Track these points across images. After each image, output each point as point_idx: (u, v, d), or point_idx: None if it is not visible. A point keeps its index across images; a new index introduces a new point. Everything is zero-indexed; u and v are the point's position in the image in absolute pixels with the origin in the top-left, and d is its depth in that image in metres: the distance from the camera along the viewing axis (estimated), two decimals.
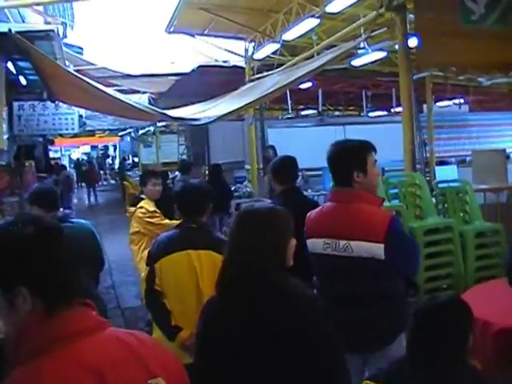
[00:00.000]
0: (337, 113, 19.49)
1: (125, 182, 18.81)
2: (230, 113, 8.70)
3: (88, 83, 7.04)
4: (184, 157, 19.70)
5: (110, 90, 7.70)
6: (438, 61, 7.48)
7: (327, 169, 3.27)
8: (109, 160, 37.95)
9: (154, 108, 8.28)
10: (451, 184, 7.12)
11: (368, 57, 11.46)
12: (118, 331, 1.51)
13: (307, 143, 14.32)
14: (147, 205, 5.90)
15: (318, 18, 9.62)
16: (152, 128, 25.30)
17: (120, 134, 32.09)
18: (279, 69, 11.11)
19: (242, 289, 2.19)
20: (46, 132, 14.31)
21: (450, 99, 17.50)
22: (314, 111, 17.90)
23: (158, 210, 5.91)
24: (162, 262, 3.53)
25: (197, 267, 3.47)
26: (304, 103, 18.13)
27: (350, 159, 3.15)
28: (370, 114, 17.40)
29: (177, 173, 12.69)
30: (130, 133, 31.39)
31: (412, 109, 7.35)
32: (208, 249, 3.47)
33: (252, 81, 12.72)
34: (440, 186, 7.11)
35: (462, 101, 18.30)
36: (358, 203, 3.11)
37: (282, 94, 13.16)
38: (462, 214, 6.68)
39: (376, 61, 11.89)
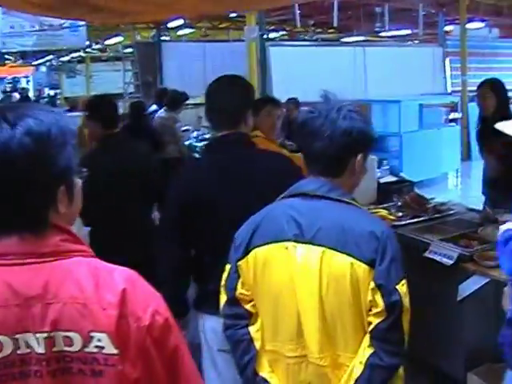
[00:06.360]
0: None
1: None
2: None
3: None
4: (131, 87, 15.08)
5: None
6: None
7: None
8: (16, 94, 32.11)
9: None
10: None
11: None
12: (83, 265, 1.22)
13: (320, 68, 10.76)
14: None
15: None
16: (82, 54, 20.55)
17: (34, 63, 26.93)
18: None
19: None
20: None
21: (482, 21, 13.69)
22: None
23: None
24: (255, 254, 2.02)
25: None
26: (313, 17, 13.92)
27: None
28: (390, 34, 13.55)
29: (154, 106, 8.44)
30: (46, 62, 26.37)
31: None
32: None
33: None
34: None
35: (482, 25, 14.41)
36: None
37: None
38: None
39: None
